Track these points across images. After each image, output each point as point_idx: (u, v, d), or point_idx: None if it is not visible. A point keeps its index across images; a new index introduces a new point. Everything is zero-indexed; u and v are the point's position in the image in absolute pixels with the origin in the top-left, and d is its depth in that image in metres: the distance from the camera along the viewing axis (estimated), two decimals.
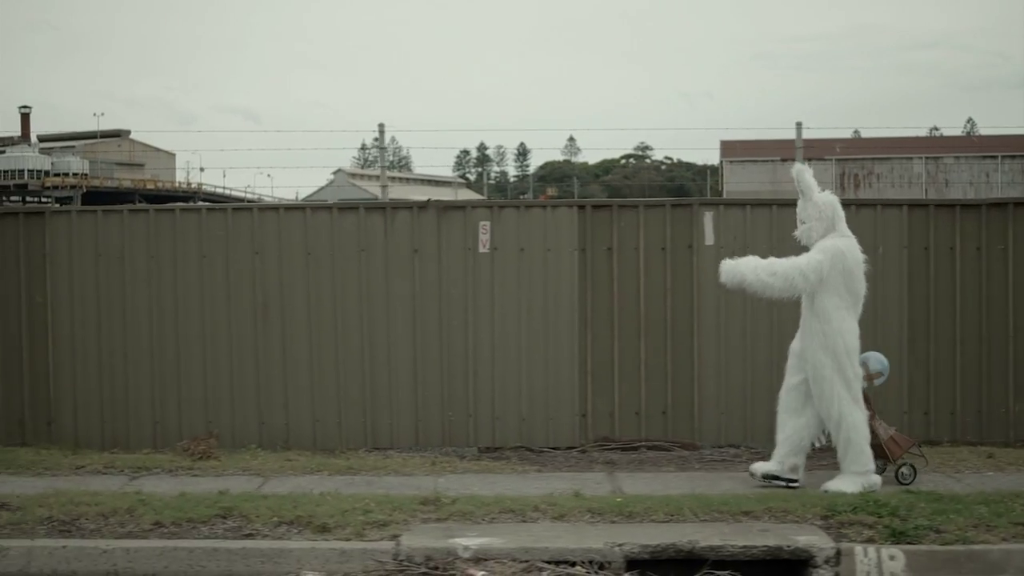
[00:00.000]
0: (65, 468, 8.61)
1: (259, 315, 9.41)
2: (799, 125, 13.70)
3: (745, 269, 7.94)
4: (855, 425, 7.90)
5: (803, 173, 8.16)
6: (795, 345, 8.17)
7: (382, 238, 9.43)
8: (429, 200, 9.56)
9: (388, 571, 6.54)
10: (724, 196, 63.78)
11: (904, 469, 8.12)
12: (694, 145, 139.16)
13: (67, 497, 7.52)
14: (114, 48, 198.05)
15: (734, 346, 9.43)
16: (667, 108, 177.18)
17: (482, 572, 6.31)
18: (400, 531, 6.91)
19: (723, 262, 8.03)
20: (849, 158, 72.94)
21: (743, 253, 9.36)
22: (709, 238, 9.48)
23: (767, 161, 69.38)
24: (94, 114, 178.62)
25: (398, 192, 77.14)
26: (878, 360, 8.33)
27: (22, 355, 9.43)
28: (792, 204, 9.44)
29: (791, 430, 8.06)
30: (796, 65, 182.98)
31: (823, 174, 70.84)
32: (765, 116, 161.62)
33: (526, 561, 6.52)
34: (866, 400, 8.10)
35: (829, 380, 7.88)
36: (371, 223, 9.46)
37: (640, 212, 9.52)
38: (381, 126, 13.85)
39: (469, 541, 6.71)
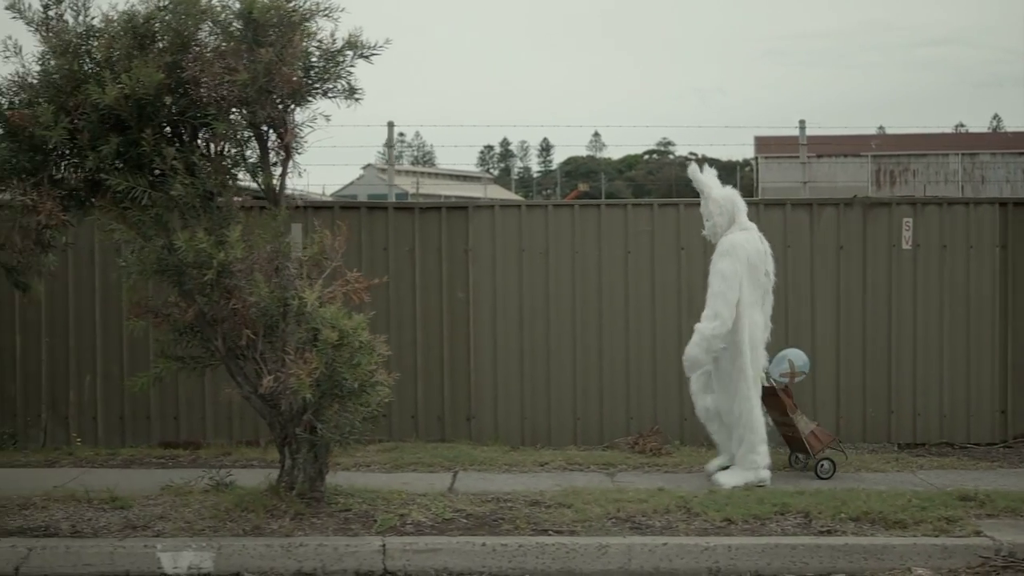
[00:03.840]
0: (530, 464, 8.55)
1: (684, 311, 9.38)
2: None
3: (696, 350, 7.90)
4: (752, 424, 7.96)
5: (697, 173, 8.20)
6: None
7: (808, 234, 9.41)
8: (855, 196, 9.57)
9: (995, 567, 6.52)
10: (760, 193, 63.55)
11: (824, 464, 8.20)
12: (712, 140, 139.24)
13: (598, 494, 7.47)
14: None
15: None
16: (680, 104, 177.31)
17: None
18: (974, 528, 6.89)
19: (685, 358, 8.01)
20: (884, 154, 72.89)
21: None
22: None
23: (798, 157, 69.06)
24: None
25: (427, 188, 77.08)
26: (799, 356, 8.39)
27: (443, 351, 9.37)
28: None
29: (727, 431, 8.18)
30: (807, 61, 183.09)
31: (858, 170, 70.96)
32: (775, 112, 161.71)
33: None
34: (788, 395, 8.25)
35: (734, 376, 7.94)
36: (797, 219, 9.43)
37: None
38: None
39: None
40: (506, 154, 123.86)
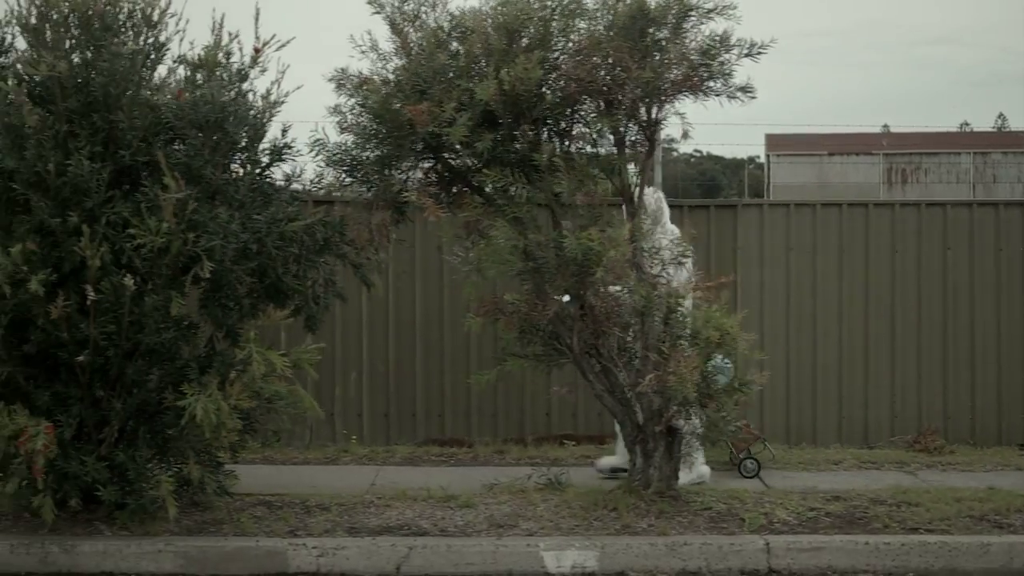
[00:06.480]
0: (823, 463, 8.58)
1: (949, 310, 9.46)
2: None
3: None
4: None
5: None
6: None
7: None
8: None
9: None
10: (771, 192, 63.55)
11: (748, 463, 8.21)
12: (716, 138, 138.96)
13: (935, 493, 7.48)
14: None
15: None
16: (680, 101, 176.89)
17: None
18: None
19: None
20: (896, 153, 72.92)
21: None
22: None
23: (813, 155, 69.09)
24: None
25: None
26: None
27: None
28: None
29: None
30: (806, 60, 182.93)
31: (870, 169, 71.07)
32: (775, 110, 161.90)
33: None
34: None
35: None
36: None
37: None
38: None
39: None
40: None
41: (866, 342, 9.43)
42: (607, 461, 8.18)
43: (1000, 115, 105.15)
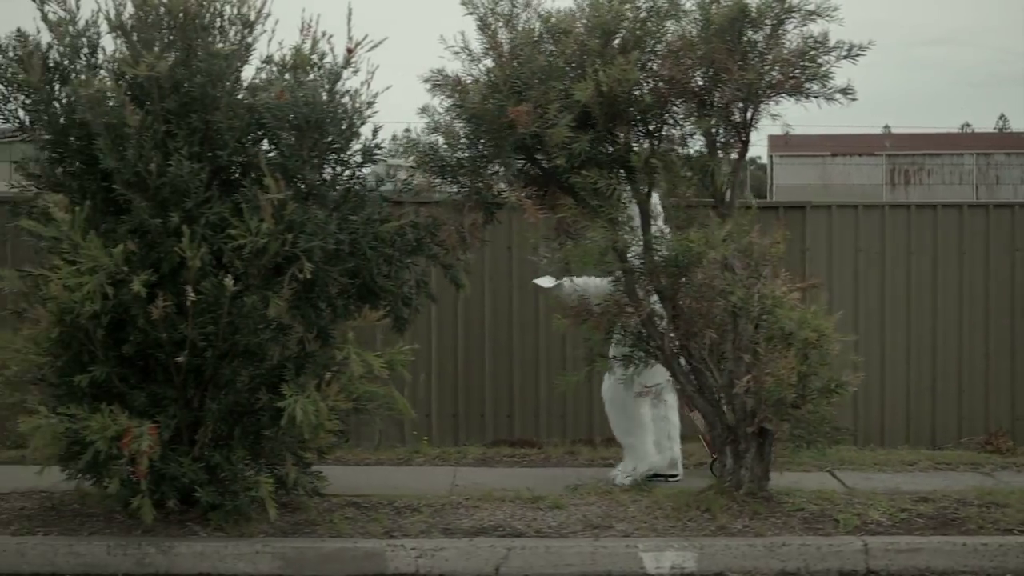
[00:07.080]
0: (897, 464, 8.59)
1: (1018, 312, 9.48)
2: None
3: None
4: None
5: None
6: None
7: None
8: None
9: None
10: (774, 193, 63.38)
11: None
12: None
13: (1020, 494, 7.50)
14: None
15: None
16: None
17: None
18: None
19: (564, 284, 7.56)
20: (899, 153, 72.82)
21: None
22: None
23: (815, 156, 68.91)
24: None
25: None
26: None
27: None
28: None
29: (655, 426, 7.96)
30: None
31: (873, 170, 70.97)
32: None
33: None
34: None
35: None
36: None
37: None
38: None
39: None
40: None
41: (934, 344, 9.44)
42: None
43: (1001, 116, 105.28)
